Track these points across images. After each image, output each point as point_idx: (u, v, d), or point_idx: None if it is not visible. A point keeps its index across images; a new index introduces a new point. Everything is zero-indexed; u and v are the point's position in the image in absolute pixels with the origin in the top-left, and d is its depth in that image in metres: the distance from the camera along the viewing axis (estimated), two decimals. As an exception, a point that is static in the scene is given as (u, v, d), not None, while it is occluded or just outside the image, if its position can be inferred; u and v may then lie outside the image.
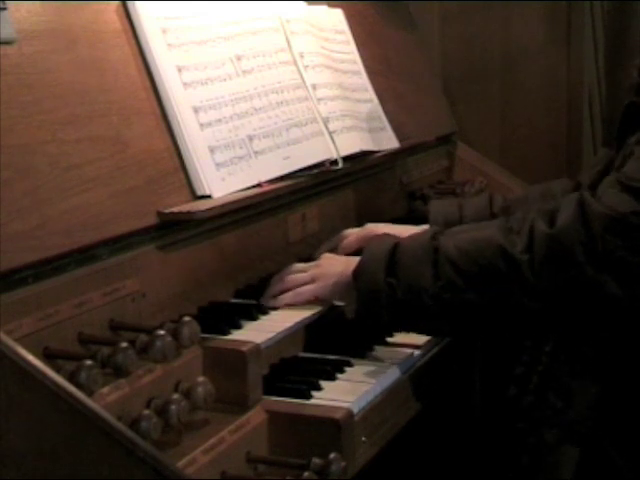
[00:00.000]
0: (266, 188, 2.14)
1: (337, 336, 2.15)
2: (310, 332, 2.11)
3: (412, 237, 2.06)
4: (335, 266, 2.12)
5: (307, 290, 2.09)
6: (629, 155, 1.94)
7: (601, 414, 1.99)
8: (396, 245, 1.99)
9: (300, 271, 2.14)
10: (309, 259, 2.28)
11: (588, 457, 2.00)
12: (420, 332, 2.08)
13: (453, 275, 1.89)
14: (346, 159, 2.46)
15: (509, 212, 2.40)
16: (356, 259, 2.04)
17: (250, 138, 2.17)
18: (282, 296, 2.09)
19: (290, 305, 2.07)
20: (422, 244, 1.97)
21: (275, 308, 2.06)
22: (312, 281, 2.10)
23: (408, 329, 2.06)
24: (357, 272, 2.00)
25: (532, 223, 1.88)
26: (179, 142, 2.02)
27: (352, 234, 2.38)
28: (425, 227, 2.38)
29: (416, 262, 1.94)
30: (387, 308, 1.95)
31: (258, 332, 1.92)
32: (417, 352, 2.13)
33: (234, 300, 2.11)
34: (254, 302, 2.08)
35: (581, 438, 2.01)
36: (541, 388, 2.09)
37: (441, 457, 2.66)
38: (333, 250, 2.33)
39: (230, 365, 1.80)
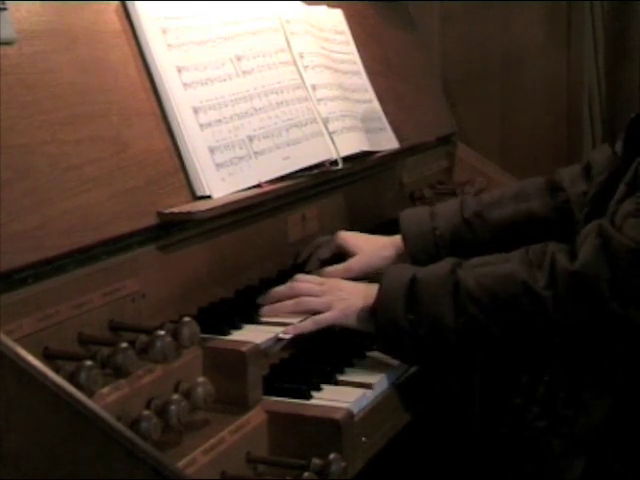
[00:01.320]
0: (266, 188, 2.14)
1: (337, 336, 2.14)
2: (310, 332, 2.11)
3: (429, 269, 2.01)
4: (350, 294, 2.06)
5: (328, 318, 2.03)
6: None
7: (609, 426, 1.98)
8: (414, 278, 1.95)
9: (308, 288, 2.07)
10: (298, 267, 2.27)
11: (593, 467, 1.99)
12: (443, 364, 2.05)
13: (475, 311, 1.88)
14: (346, 159, 2.46)
15: (482, 217, 2.35)
16: (372, 288, 2.00)
17: (250, 138, 2.17)
18: (302, 324, 2.01)
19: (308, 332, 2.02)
20: (441, 278, 1.94)
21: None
22: (328, 308, 2.04)
23: (431, 363, 2.03)
24: (376, 307, 1.97)
25: (553, 257, 1.86)
26: (179, 142, 2.02)
27: (324, 243, 2.35)
28: (397, 237, 2.36)
29: (436, 297, 1.91)
30: (410, 345, 1.93)
31: (258, 332, 1.92)
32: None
33: (234, 300, 2.11)
34: (254, 303, 2.08)
35: (587, 449, 2.00)
36: (548, 398, 2.08)
37: (441, 457, 2.66)
38: (309, 257, 2.31)
39: (230, 365, 1.80)
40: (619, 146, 2.13)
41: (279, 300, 2.06)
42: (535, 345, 1.89)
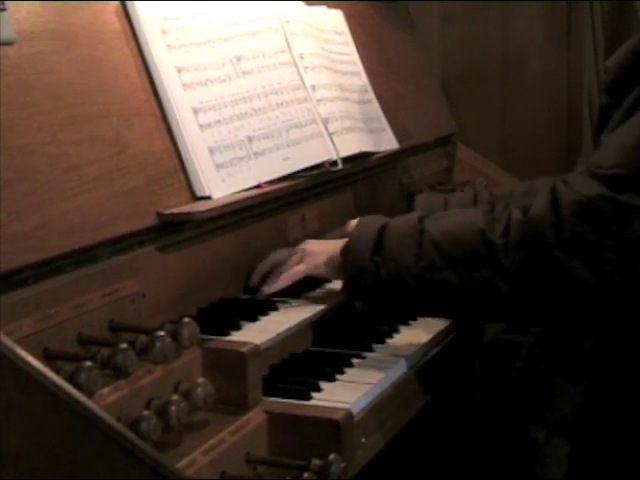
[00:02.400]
0: (266, 189, 2.14)
1: (337, 337, 2.15)
2: (310, 332, 2.11)
3: (400, 218, 2.11)
4: (322, 245, 2.17)
5: (298, 270, 2.13)
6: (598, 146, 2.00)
7: (588, 411, 2.01)
8: (385, 225, 2.04)
9: (285, 256, 2.18)
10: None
11: (578, 453, 2.01)
12: (402, 313, 2.16)
13: (435, 255, 1.96)
14: (346, 160, 2.46)
15: None
16: (342, 241, 2.09)
17: (250, 139, 2.18)
18: (276, 280, 2.12)
19: (283, 288, 2.11)
20: (409, 225, 2.02)
21: (275, 309, 2.06)
22: (300, 261, 2.15)
23: (391, 309, 2.08)
24: (345, 250, 2.06)
25: (510, 211, 1.94)
26: (179, 143, 2.02)
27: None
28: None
29: (402, 242, 1.99)
30: (372, 285, 2.00)
31: (258, 333, 1.92)
32: (417, 353, 2.13)
33: (234, 301, 2.11)
34: (252, 297, 2.08)
35: (569, 436, 2.03)
36: (521, 384, 2.11)
37: (441, 458, 2.66)
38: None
39: (230, 366, 1.80)
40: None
41: (264, 276, 2.16)
42: (487, 295, 1.93)
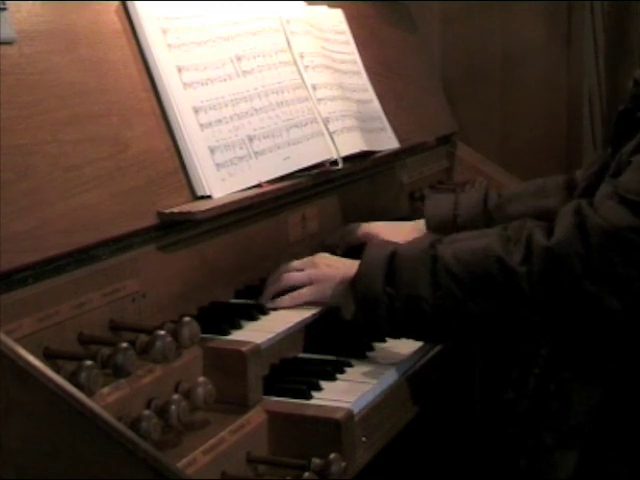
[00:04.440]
0: (266, 188, 2.14)
1: (337, 336, 2.14)
2: (310, 332, 2.11)
3: (410, 244, 2.06)
4: (332, 269, 2.12)
5: (304, 294, 2.09)
6: (627, 164, 1.93)
7: (601, 418, 1.99)
8: (394, 253, 1.99)
9: (297, 269, 2.14)
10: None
11: (586, 459, 2.00)
12: (419, 340, 2.09)
13: (452, 285, 1.90)
14: (346, 159, 2.46)
15: (503, 210, 2.41)
16: (354, 263, 2.05)
17: (250, 138, 2.17)
18: (280, 299, 2.09)
19: (288, 308, 2.08)
20: (420, 252, 1.97)
21: (275, 309, 2.07)
22: (310, 282, 2.11)
23: (406, 336, 2.06)
24: (355, 280, 2.00)
25: (530, 233, 1.88)
26: (179, 142, 2.02)
27: (351, 230, 2.38)
28: (421, 222, 2.41)
29: (415, 271, 1.94)
30: (386, 317, 1.96)
31: (258, 332, 1.92)
32: (417, 353, 2.13)
33: (234, 300, 2.11)
34: (254, 302, 2.08)
35: (579, 442, 2.00)
36: (538, 391, 2.08)
37: (441, 458, 2.66)
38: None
39: (230, 365, 1.80)
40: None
41: (276, 288, 2.12)
42: (512, 323, 1.90)
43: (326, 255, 2.22)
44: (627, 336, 1.91)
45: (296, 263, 2.18)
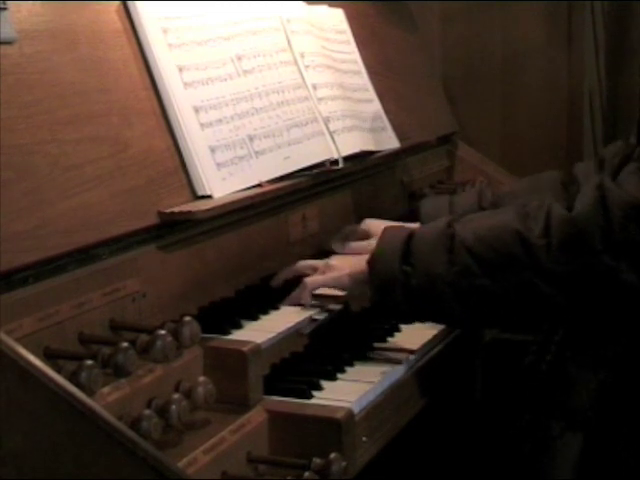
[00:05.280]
0: (266, 188, 2.14)
1: (338, 336, 2.14)
2: (311, 332, 2.11)
3: (427, 226, 2.06)
4: (347, 259, 2.12)
5: (320, 280, 2.08)
6: None
7: (604, 403, 1.99)
8: (411, 234, 1.98)
9: (309, 265, 2.17)
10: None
11: (591, 445, 1.99)
12: (436, 321, 2.08)
13: (469, 261, 1.88)
14: (347, 159, 2.46)
15: (498, 207, 2.41)
16: (365, 257, 2.03)
17: (251, 138, 2.17)
18: (294, 294, 2.08)
19: (305, 298, 2.07)
20: (438, 231, 1.96)
21: (276, 308, 2.06)
22: (324, 273, 2.10)
23: (424, 318, 2.05)
24: (372, 261, 1.99)
25: (549, 208, 1.87)
26: (180, 142, 2.02)
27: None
28: (417, 224, 2.39)
29: (431, 249, 1.93)
30: (403, 296, 1.94)
31: (259, 332, 1.92)
32: (417, 352, 2.13)
33: (234, 300, 2.11)
34: (255, 302, 2.08)
35: (584, 426, 2.00)
36: (548, 378, 2.08)
37: (441, 458, 2.66)
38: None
39: (231, 365, 1.80)
40: (633, 139, 2.15)
41: (286, 279, 2.14)
42: (528, 299, 1.87)
43: (337, 256, 2.22)
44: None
45: (310, 261, 2.19)
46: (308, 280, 2.08)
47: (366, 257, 2.02)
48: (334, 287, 2.09)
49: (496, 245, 1.87)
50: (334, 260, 2.16)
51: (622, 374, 1.99)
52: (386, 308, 2.00)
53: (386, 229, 2.09)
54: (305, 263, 2.19)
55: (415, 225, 2.24)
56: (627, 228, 1.78)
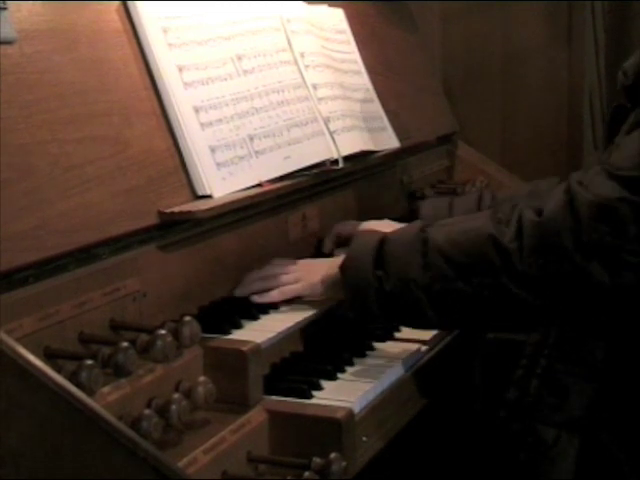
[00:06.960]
0: (267, 188, 2.14)
1: (338, 335, 2.14)
2: (311, 331, 2.11)
3: (400, 230, 2.06)
4: (318, 264, 2.14)
5: (294, 289, 2.10)
6: (615, 148, 1.94)
7: (598, 410, 1.99)
8: (383, 239, 1.98)
9: (281, 266, 2.15)
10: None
11: (586, 452, 2.00)
12: (411, 325, 2.08)
13: (443, 265, 1.89)
14: (347, 159, 2.46)
15: None
16: (339, 258, 2.04)
17: (251, 138, 2.17)
18: (268, 294, 2.08)
19: (273, 302, 2.07)
20: (411, 236, 1.96)
21: (276, 308, 2.06)
22: (296, 282, 2.11)
23: (398, 322, 2.06)
24: (344, 266, 1.99)
25: (520, 212, 1.88)
26: (180, 142, 2.02)
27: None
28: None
29: (405, 254, 1.93)
30: (376, 301, 1.94)
31: (259, 332, 1.92)
32: (418, 352, 2.13)
33: (235, 300, 2.11)
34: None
35: (578, 432, 2.01)
36: (540, 389, 2.09)
37: (441, 457, 2.66)
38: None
39: (231, 365, 1.80)
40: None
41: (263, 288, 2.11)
42: (501, 303, 1.88)
43: (308, 260, 2.23)
44: (618, 321, 1.91)
45: (280, 261, 2.18)
46: (285, 290, 2.09)
47: (338, 262, 2.02)
48: (308, 296, 2.10)
49: (470, 249, 1.88)
50: (303, 263, 2.16)
51: (615, 383, 1.99)
52: (359, 313, 1.99)
53: (358, 234, 2.09)
54: (279, 263, 2.17)
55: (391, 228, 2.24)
56: (596, 229, 1.79)
